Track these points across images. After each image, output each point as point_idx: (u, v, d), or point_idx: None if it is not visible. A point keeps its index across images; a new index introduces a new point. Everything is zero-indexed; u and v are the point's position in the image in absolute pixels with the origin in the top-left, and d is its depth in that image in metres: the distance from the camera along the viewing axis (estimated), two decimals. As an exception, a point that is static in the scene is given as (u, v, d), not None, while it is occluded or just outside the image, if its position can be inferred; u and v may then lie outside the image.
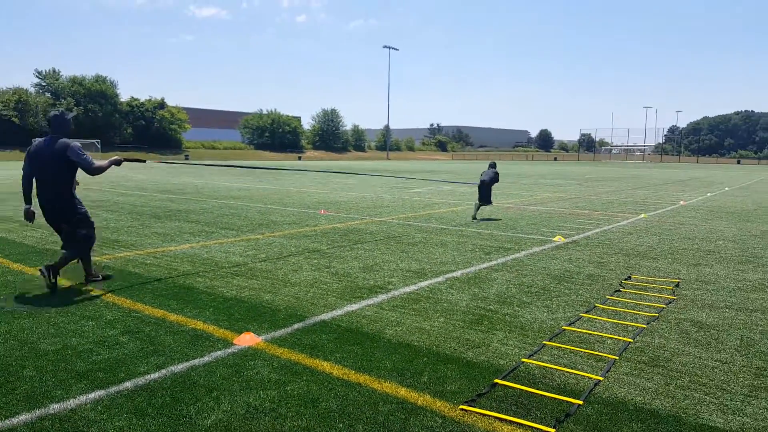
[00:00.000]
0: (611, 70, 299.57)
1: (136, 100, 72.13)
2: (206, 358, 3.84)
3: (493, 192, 12.43)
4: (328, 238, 9.00)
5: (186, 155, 67.22)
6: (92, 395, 3.24)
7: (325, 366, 3.72)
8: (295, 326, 4.50)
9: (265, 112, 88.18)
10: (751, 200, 18.04)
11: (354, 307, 5.07)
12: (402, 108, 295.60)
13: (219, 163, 44.26)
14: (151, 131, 71.05)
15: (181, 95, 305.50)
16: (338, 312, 4.90)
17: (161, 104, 73.41)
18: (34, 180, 5.57)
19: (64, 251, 5.63)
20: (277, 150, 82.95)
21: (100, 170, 5.68)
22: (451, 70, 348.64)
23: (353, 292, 5.61)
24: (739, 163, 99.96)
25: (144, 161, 7.96)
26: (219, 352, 3.94)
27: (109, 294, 5.40)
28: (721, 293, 5.80)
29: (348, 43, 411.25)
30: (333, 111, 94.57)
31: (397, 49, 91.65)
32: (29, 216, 5.68)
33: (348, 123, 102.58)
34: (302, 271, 6.55)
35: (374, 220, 11.35)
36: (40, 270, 5.46)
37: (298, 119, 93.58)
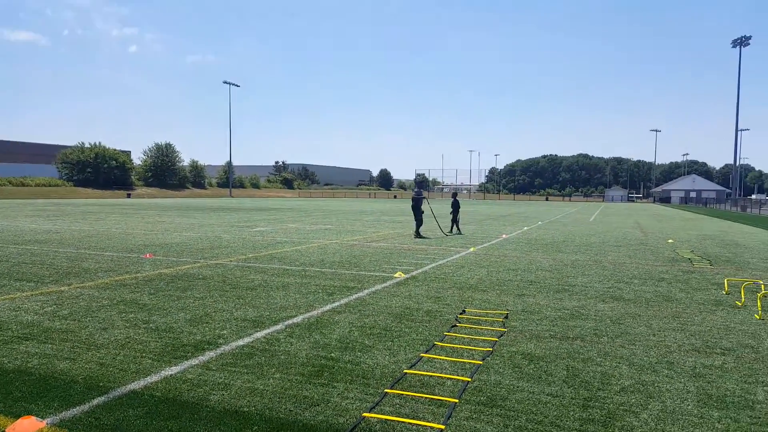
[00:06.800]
0: (440, 115, 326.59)
1: None
2: (-39, 461, 2.94)
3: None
4: (151, 286, 8.01)
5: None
6: None
7: (131, 450, 3.06)
8: (95, 402, 3.71)
9: (87, 145, 79.83)
10: (560, 233, 20.36)
11: (174, 370, 4.38)
12: (246, 145, 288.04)
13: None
14: (-60, 166, 59.97)
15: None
16: (153, 378, 4.18)
17: (-45, 135, 62.54)
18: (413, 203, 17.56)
19: (418, 227, 16.97)
20: (102, 187, 75.26)
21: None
22: (295, 108, 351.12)
23: (175, 350, 4.89)
24: (547, 200, 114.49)
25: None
26: (-18, 449, 3.06)
27: None
28: (544, 323, 6.18)
29: (185, 77, 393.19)
30: (168, 145, 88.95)
31: (237, 86, 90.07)
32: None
33: (186, 158, 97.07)
34: (113, 328, 5.62)
35: (209, 263, 10.49)
36: (417, 233, 16.77)
37: (127, 154, 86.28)
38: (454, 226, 19.37)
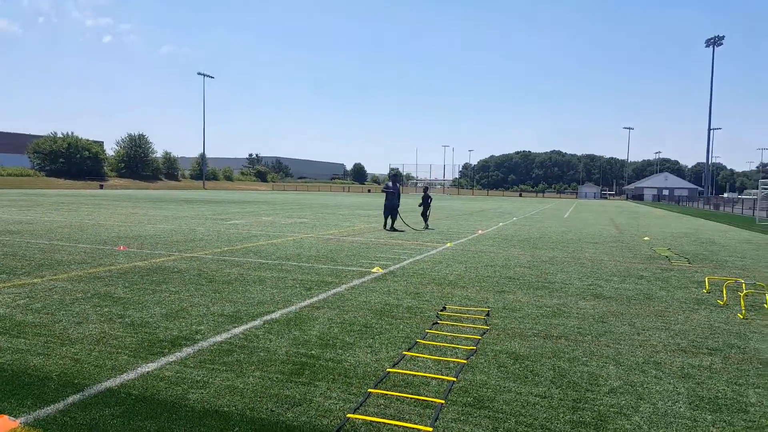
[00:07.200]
0: (414, 110, 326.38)
1: None
2: None
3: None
4: (125, 279, 7.76)
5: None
6: None
7: (106, 453, 2.91)
8: (70, 400, 3.55)
9: (60, 135, 77.70)
10: (535, 228, 20.50)
11: (150, 366, 4.22)
12: (220, 137, 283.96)
13: None
14: None
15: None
16: (129, 375, 4.02)
17: None
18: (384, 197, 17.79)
19: (392, 222, 17.58)
20: (74, 178, 73.42)
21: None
22: (269, 101, 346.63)
23: (151, 346, 4.72)
24: (521, 195, 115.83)
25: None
26: (-55, 453, 2.88)
27: None
28: (527, 321, 6.15)
29: (160, 67, 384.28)
30: (141, 136, 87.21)
31: (212, 77, 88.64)
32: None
33: (159, 150, 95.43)
34: (88, 323, 5.41)
35: (184, 255, 10.24)
36: (390, 227, 17.41)
37: (100, 144, 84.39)
38: (426, 222, 19.51)
